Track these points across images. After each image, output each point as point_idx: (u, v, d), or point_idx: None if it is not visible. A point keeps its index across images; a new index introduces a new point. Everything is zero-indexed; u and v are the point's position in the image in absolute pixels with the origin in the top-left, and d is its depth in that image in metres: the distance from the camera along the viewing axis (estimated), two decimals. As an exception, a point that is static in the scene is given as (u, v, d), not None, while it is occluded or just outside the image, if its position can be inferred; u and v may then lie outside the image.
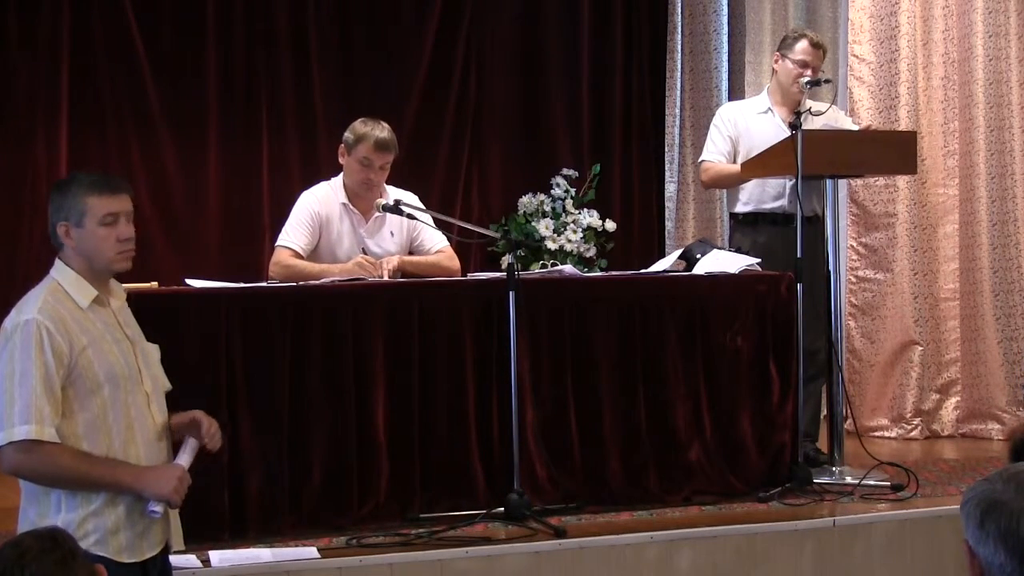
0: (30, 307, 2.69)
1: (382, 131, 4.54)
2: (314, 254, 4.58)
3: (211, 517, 3.81)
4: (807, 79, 4.85)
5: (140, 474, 2.71)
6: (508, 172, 6.57)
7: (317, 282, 4.22)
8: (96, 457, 2.68)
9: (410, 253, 4.73)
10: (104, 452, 2.70)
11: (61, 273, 2.77)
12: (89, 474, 2.66)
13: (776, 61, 5.07)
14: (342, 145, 4.61)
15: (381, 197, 4.58)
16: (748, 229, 5.03)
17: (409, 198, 4.67)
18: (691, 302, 4.45)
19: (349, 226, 4.63)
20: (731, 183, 5.05)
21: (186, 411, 2.92)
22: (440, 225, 4.72)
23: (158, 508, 2.71)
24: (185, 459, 2.81)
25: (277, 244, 4.61)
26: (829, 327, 4.69)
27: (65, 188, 2.78)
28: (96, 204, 2.75)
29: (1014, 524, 1.68)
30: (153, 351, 2.91)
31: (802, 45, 4.94)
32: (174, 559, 3.29)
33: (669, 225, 6.54)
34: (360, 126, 4.56)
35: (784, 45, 5.02)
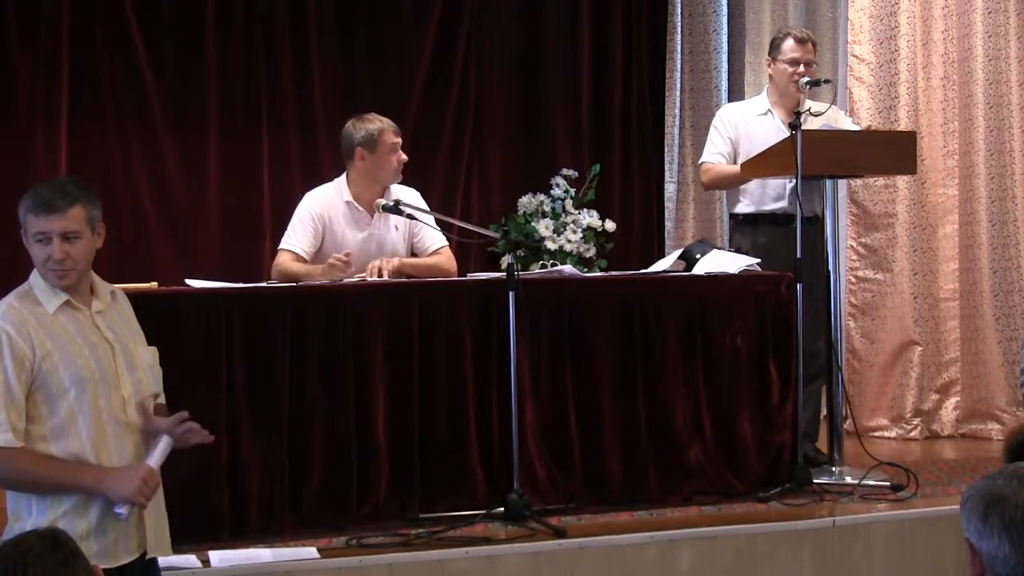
0: None
1: (385, 118, 4.67)
2: (319, 254, 4.59)
3: (211, 517, 3.82)
4: (807, 79, 4.85)
5: (103, 475, 2.70)
6: (508, 172, 6.57)
7: (317, 282, 4.22)
8: (58, 460, 2.68)
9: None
10: (73, 455, 2.70)
11: (34, 277, 2.80)
12: (49, 477, 2.67)
13: (769, 65, 5.10)
14: (359, 148, 4.57)
15: (382, 196, 4.60)
16: (748, 229, 5.03)
17: (411, 195, 4.70)
18: (691, 302, 4.45)
19: (354, 223, 4.64)
20: (731, 184, 5.05)
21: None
22: (440, 225, 4.73)
23: (123, 509, 2.69)
24: (155, 459, 2.78)
25: (279, 248, 4.64)
26: (829, 327, 4.69)
27: (22, 200, 2.78)
28: (32, 222, 2.76)
29: (1018, 516, 1.68)
30: (145, 354, 2.89)
31: (788, 44, 4.97)
32: (174, 559, 3.30)
33: (669, 225, 6.54)
34: (367, 124, 4.62)
35: (772, 48, 5.07)
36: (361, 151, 4.61)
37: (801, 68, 4.91)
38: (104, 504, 2.71)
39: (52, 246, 2.74)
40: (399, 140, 4.66)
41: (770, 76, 5.11)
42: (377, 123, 4.62)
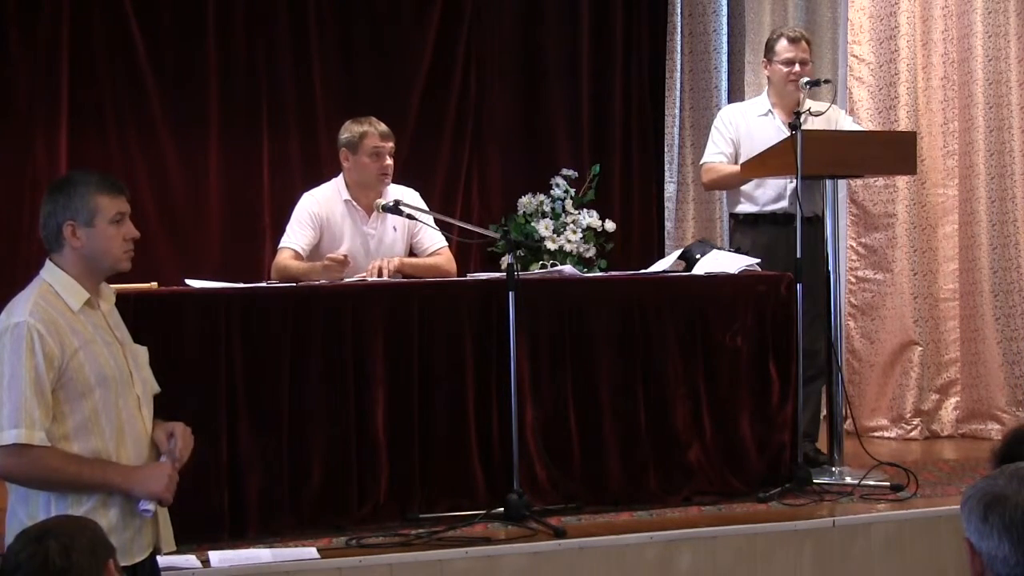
0: (20, 309, 2.66)
1: (378, 122, 4.65)
2: (317, 253, 4.59)
3: (211, 517, 3.82)
4: (806, 80, 4.85)
5: (130, 473, 2.70)
6: (508, 172, 6.57)
7: (317, 282, 4.22)
8: (85, 459, 2.67)
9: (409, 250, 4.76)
10: (94, 454, 2.68)
11: (52, 275, 2.75)
12: (79, 476, 2.65)
13: (765, 67, 5.11)
14: (343, 149, 4.63)
15: (380, 196, 4.61)
16: (748, 229, 5.03)
17: (410, 195, 4.71)
18: (691, 302, 4.45)
19: (352, 223, 4.65)
20: (732, 184, 5.05)
21: (171, 421, 2.89)
22: (440, 225, 4.73)
23: (150, 507, 2.70)
24: (171, 457, 2.80)
25: (279, 246, 4.65)
26: (829, 327, 4.69)
27: (70, 188, 2.75)
28: (107, 204, 2.75)
29: (1018, 515, 1.68)
30: (142, 353, 2.89)
31: (781, 44, 4.98)
32: (174, 559, 3.31)
33: (669, 225, 6.54)
34: (355, 126, 4.63)
35: (767, 50, 5.08)
36: (345, 152, 4.64)
37: (797, 67, 4.92)
38: (123, 502, 2.70)
39: (129, 225, 2.78)
40: (385, 145, 4.61)
41: (768, 78, 5.12)
42: (364, 126, 4.61)
